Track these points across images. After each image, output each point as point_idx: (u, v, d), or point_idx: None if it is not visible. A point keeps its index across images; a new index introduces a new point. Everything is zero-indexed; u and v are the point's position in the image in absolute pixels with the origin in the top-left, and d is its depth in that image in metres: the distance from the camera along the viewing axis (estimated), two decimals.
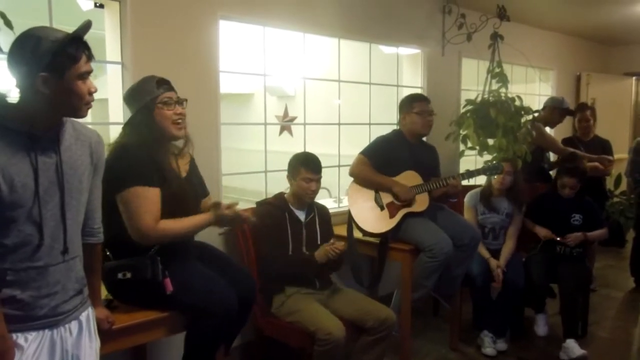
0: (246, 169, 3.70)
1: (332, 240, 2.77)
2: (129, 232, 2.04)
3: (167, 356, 2.82)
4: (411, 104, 3.31)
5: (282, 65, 4.38)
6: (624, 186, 6.48)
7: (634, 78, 7.31)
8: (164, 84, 2.15)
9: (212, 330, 2.16)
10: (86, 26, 1.47)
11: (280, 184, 3.30)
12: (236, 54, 4.16)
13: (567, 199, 3.69)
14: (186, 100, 2.20)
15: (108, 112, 2.88)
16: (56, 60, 1.39)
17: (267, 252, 2.80)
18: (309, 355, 2.61)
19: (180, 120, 2.15)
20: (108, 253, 2.10)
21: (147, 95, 2.12)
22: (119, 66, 2.76)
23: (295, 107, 6.01)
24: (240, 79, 5.85)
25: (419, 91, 4.42)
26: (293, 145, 3.88)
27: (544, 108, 4.58)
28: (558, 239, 3.58)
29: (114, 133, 2.83)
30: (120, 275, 2.07)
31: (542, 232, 3.64)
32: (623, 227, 6.03)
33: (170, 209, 2.09)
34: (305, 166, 2.84)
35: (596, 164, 4.47)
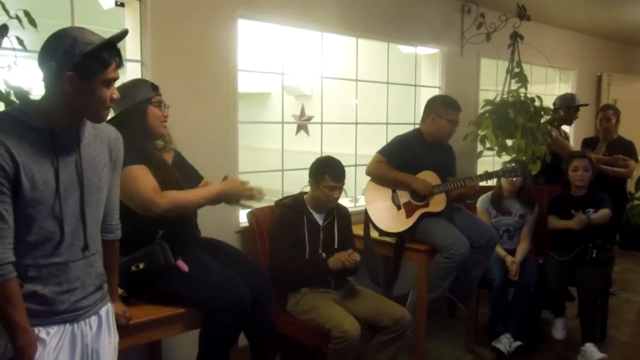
0: (263, 167, 3.71)
1: (349, 251, 2.74)
2: (135, 209, 2.06)
3: (182, 352, 2.84)
4: (447, 110, 3.27)
5: (300, 65, 4.39)
6: None
7: None
8: (156, 87, 2.29)
9: (226, 326, 2.18)
10: (123, 34, 1.49)
11: (296, 183, 3.31)
12: (254, 53, 4.17)
13: (580, 195, 3.66)
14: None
15: None
16: (87, 63, 1.41)
17: (280, 253, 2.80)
18: (324, 354, 2.61)
19: (165, 121, 2.30)
20: None
21: (142, 95, 2.22)
22: (139, 64, 2.79)
23: (312, 107, 6.01)
24: (258, 78, 5.87)
25: (436, 91, 4.41)
26: (310, 145, 3.89)
27: (557, 109, 4.51)
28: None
29: None
30: (133, 268, 2.10)
31: (572, 223, 3.52)
32: None
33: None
34: (331, 174, 2.79)
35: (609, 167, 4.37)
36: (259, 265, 2.60)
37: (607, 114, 4.64)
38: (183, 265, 2.16)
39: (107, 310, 1.66)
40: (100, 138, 1.60)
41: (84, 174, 1.52)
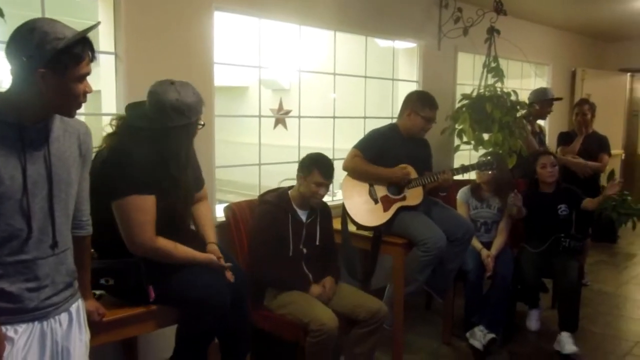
0: (240, 162, 3.68)
1: (329, 293, 2.79)
2: (124, 240, 2.04)
3: (158, 349, 2.81)
4: (423, 107, 3.27)
5: (278, 58, 4.36)
6: None
7: (628, 74, 7.32)
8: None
9: (206, 324, 2.16)
10: (94, 26, 1.45)
11: (274, 178, 3.29)
12: (231, 46, 4.13)
13: (550, 192, 3.71)
14: None
15: (101, 104, 2.86)
16: (60, 59, 1.37)
17: (262, 252, 2.77)
18: (302, 348, 2.61)
19: None
20: (92, 250, 2.09)
21: (193, 116, 2.11)
22: (112, 57, 2.74)
23: (290, 101, 5.97)
24: (235, 72, 5.81)
25: (414, 85, 4.43)
26: (288, 139, 3.87)
27: (532, 104, 4.56)
28: None
29: (107, 125, 2.82)
30: (102, 281, 2.08)
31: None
32: (615, 223, 6.07)
33: (159, 216, 2.09)
34: (320, 169, 2.78)
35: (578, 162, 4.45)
36: (236, 262, 2.58)
37: (583, 108, 4.72)
38: (151, 294, 2.13)
39: (78, 307, 1.63)
40: (70, 132, 1.56)
41: (53, 169, 1.48)
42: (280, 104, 6.13)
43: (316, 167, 2.78)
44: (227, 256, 2.39)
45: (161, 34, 2.83)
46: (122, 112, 2.67)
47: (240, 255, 2.92)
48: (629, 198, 6.21)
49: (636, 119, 8.00)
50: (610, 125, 6.14)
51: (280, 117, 5.32)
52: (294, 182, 2.91)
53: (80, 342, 1.60)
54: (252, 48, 3.50)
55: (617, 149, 6.49)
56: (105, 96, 2.83)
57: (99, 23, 1.47)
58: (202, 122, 2.21)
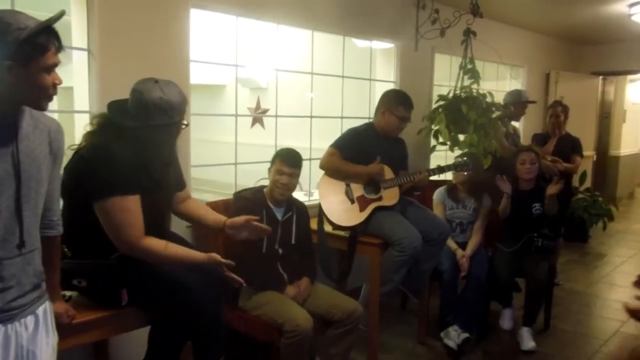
0: (216, 161, 3.65)
1: (305, 294, 2.78)
2: (113, 243, 2.00)
3: (130, 351, 2.76)
4: (397, 106, 3.28)
5: (255, 57, 4.34)
6: (588, 183, 6.66)
7: (600, 77, 7.47)
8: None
9: (179, 325, 2.13)
10: (59, 16, 1.42)
11: (251, 177, 3.27)
12: (208, 44, 4.09)
13: (527, 190, 3.76)
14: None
15: (73, 101, 2.80)
16: (23, 49, 1.34)
17: (237, 249, 2.75)
18: (277, 349, 2.60)
19: None
20: (66, 249, 2.04)
21: (176, 115, 2.07)
22: (85, 53, 2.68)
23: (268, 100, 5.95)
24: (212, 70, 5.76)
25: (391, 86, 4.44)
26: (265, 138, 3.85)
27: (506, 105, 4.61)
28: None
29: (79, 122, 2.77)
30: (75, 282, 2.04)
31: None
32: (586, 223, 6.20)
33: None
34: (281, 157, 2.81)
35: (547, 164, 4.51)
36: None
37: (556, 110, 4.80)
38: (124, 297, 2.09)
39: (45, 310, 1.58)
40: (40, 129, 1.51)
41: (22, 166, 1.44)
42: (258, 103, 6.09)
43: (278, 156, 2.82)
44: None
45: (136, 31, 2.79)
46: (95, 109, 2.65)
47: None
48: (600, 199, 6.36)
49: (607, 122, 8.19)
50: (582, 127, 6.25)
51: (258, 116, 5.29)
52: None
53: (47, 345, 1.56)
54: (229, 46, 3.47)
55: (588, 151, 6.62)
56: (77, 93, 2.77)
57: (63, 12, 1.43)
58: (186, 122, 2.18)
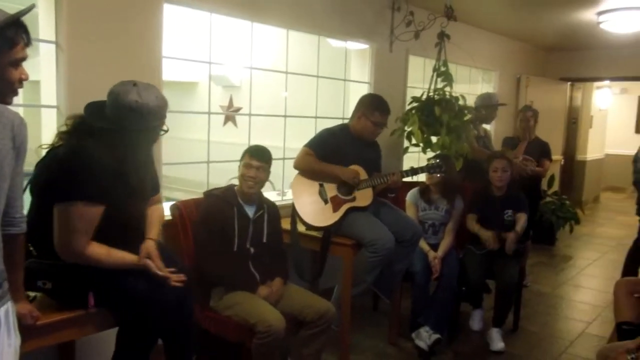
0: (188, 159, 3.59)
1: (277, 295, 2.75)
2: (56, 246, 1.95)
3: (97, 353, 2.69)
4: (372, 112, 3.26)
5: (229, 55, 4.29)
6: (556, 186, 6.79)
7: (568, 83, 7.63)
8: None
9: (148, 326, 2.08)
10: (28, 9, 1.37)
11: (223, 176, 3.23)
12: (181, 40, 4.03)
13: (499, 196, 3.79)
14: None
15: (40, 95, 2.71)
16: None
17: (208, 248, 2.72)
18: (248, 350, 2.57)
19: None
20: (32, 248, 1.98)
21: (154, 120, 2.04)
22: (53, 46, 2.60)
23: (241, 98, 5.90)
24: (184, 67, 5.69)
25: (366, 87, 4.45)
26: (238, 137, 3.81)
27: (477, 108, 4.66)
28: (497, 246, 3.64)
29: (46, 117, 2.68)
30: (40, 284, 1.99)
31: (485, 236, 3.65)
32: (554, 226, 6.33)
33: (106, 224, 2.01)
34: (250, 152, 2.80)
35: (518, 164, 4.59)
36: (182, 263, 2.50)
37: (527, 115, 4.88)
38: (91, 301, 2.04)
39: (7, 311, 1.52)
40: (3, 123, 1.45)
41: None
42: (231, 101, 6.05)
43: (247, 151, 2.82)
44: (172, 257, 2.32)
45: (107, 24, 2.71)
46: (63, 105, 2.59)
47: (186, 254, 2.84)
48: (567, 202, 6.49)
49: (574, 127, 8.37)
50: (551, 131, 6.38)
51: (230, 114, 5.24)
52: None
53: (8, 347, 1.50)
54: (202, 43, 3.42)
55: (557, 155, 6.75)
56: (44, 87, 2.68)
57: (32, 6, 1.39)
58: (166, 128, 2.13)
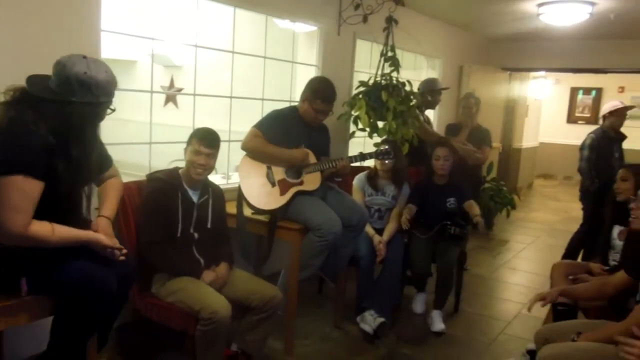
0: (126, 140, 3.43)
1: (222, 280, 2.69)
2: None
3: (28, 343, 2.54)
4: (315, 99, 3.20)
5: (172, 33, 4.11)
6: (494, 173, 7.00)
7: (508, 73, 7.86)
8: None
9: (86, 316, 1.97)
10: None
11: (163, 158, 3.10)
12: (119, 15, 3.82)
13: (442, 185, 3.85)
14: None
15: None
16: None
17: (150, 232, 2.61)
18: (191, 337, 2.50)
19: None
20: None
21: (102, 96, 1.93)
22: None
23: (182, 79, 5.72)
24: (123, 45, 5.43)
25: (313, 69, 4.39)
26: (180, 118, 3.68)
27: (422, 94, 4.72)
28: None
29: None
30: None
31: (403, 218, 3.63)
32: (492, 211, 6.54)
33: (42, 203, 1.88)
34: (198, 137, 2.67)
35: (468, 148, 4.70)
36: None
37: (469, 102, 4.99)
38: (24, 287, 1.92)
39: None
40: None
41: None
42: (172, 82, 5.85)
43: (195, 136, 2.70)
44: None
45: None
46: None
47: (127, 240, 2.71)
48: (504, 188, 6.71)
49: (512, 115, 8.64)
50: (491, 119, 6.56)
51: (172, 95, 5.05)
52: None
53: None
54: (143, 19, 3.26)
55: (496, 143, 6.95)
56: None
57: None
58: (114, 107, 2.02)
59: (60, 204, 1.93)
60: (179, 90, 4.93)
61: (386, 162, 3.58)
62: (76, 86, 1.85)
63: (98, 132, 2.12)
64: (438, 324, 3.61)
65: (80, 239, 1.99)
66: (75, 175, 1.94)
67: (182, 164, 2.77)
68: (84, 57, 1.91)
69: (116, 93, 2.04)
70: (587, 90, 11.19)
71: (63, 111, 1.87)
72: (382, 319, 3.39)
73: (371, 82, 4.19)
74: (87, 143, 1.97)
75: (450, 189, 3.85)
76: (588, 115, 11.10)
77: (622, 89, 10.55)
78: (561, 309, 2.87)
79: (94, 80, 1.88)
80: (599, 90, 11.02)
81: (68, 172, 1.91)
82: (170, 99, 5.15)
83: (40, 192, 1.85)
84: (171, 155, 2.96)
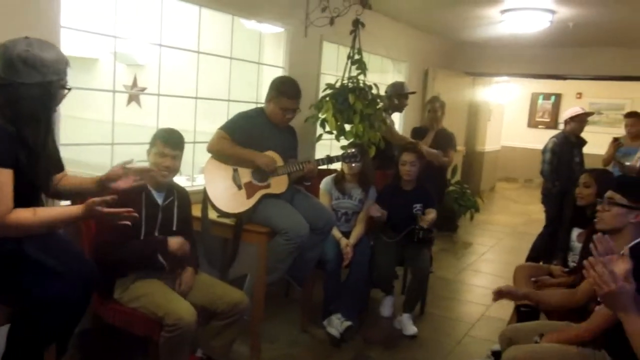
0: (87, 140, 3.33)
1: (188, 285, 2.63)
2: None
3: None
4: (279, 97, 3.16)
5: (135, 31, 4.01)
6: (459, 176, 7.10)
7: (472, 77, 7.98)
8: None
9: (46, 323, 1.89)
10: None
11: (124, 159, 3.01)
12: (79, 11, 3.70)
13: (408, 190, 3.86)
14: None
15: None
16: None
17: (111, 232, 2.52)
18: (155, 343, 2.43)
19: None
20: None
21: (51, 74, 1.85)
22: None
23: (145, 78, 5.59)
24: (84, 42, 5.27)
25: (280, 71, 4.35)
26: (143, 119, 3.59)
27: (389, 97, 4.75)
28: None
29: None
30: None
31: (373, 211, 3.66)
32: (456, 214, 6.63)
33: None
34: (162, 139, 2.61)
35: (434, 151, 4.74)
36: (85, 255, 2.30)
37: (434, 105, 5.04)
38: None
39: None
40: None
41: None
42: (135, 81, 5.71)
43: (158, 137, 2.64)
44: (71, 249, 2.12)
45: None
46: None
47: (87, 243, 2.63)
48: (468, 191, 6.82)
49: (475, 119, 8.79)
50: (455, 123, 6.65)
51: (134, 94, 4.93)
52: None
53: None
54: (105, 16, 3.16)
55: (460, 146, 7.05)
56: None
57: None
58: (69, 87, 1.94)
59: (24, 195, 1.85)
60: (142, 89, 4.80)
61: (353, 165, 3.58)
62: (20, 66, 1.79)
63: (53, 119, 2.02)
64: (410, 328, 3.60)
65: (72, 216, 1.94)
66: (34, 164, 1.87)
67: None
68: (27, 37, 1.85)
69: (77, 93, 1.97)
70: (547, 96, 11.49)
71: (13, 96, 1.81)
72: (349, 323, 3.38)
73: (338, 84, 4.18)
74: (43, 128, 1.89)
75: (417, 194, 3.85)
76: (548, 120, 11.39)
77: (580, 95, 10.88)
78: (524, 310, 2.93)
79: (38, 57, 1.81)
80: (558, 96, 11.33)
81: (28, 161, 1.84)
82: (133, 98, 5.03)
83: (11, 179, 1.79)
84: (134, 156, 2.87)
